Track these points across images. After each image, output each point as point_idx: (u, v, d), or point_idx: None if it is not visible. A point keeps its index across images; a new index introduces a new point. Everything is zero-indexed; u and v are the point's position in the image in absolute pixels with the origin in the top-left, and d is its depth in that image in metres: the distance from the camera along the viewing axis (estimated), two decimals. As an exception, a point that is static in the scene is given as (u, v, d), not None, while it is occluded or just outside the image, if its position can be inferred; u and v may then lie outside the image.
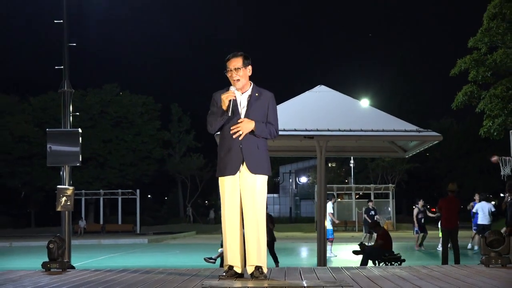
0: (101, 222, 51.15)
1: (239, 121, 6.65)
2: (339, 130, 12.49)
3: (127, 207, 52.65)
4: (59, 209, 16.47)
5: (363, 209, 30.09)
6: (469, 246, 26.49)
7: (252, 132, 6.65)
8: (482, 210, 24.46)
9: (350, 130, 12.56)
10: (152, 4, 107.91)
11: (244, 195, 6.73)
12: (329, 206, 25.86)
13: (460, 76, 25.35)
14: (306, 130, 12.32)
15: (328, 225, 25.32)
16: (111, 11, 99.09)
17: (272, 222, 16.72)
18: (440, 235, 26.75)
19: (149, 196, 67.31)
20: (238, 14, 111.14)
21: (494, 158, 19.15)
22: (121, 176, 59.64)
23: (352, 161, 53.11)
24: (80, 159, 16.93)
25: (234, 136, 6.64)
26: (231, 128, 6.65)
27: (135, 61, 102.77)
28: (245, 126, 6.60)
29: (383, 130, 12.69)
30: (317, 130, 12.41)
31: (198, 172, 67.10)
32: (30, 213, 61.10)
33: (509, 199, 15.11)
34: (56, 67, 18.28)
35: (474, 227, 25.39)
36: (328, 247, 23.34)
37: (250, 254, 6.74)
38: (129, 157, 60.74)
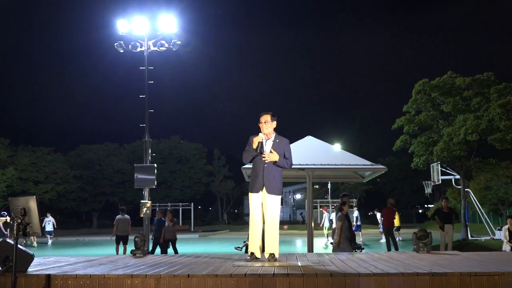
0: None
1: (269, 151, 6.74)
2: (321, 165, 12.46)
3: (185, 214, 52.49)
4: (142, 215, 16.48)
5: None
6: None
7: (275, 162, 6.68)
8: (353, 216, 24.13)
9: (328, 164, 12.54)
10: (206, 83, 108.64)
11: (264, 207, 6.76)
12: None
13: (398, 129, 25.37)
14: (300, 165, 12.29)
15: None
16: (176, 87, 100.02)
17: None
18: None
19: (199, 207, 67.05)
20: (257, 86, 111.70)
21: None
22: (182, 194, 59.56)
23: (329, 184, 52.99)
24: (155, 183, 16.95)
25: (263, 159, 6.71)
26: (263, 154, 6.71)
27: (189, 119, 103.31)
28: (272, 156, 6.68)
29: (349, 164, 12.67)
30: (307, 165, 12.38)
31: (231, 191, 67.28)
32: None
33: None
34: (141, 125, 18.35)
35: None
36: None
37: (267, 245, 6.78)
38: (186, 182, 60.74)
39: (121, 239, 16.42)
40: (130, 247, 16.29)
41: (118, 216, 16.57)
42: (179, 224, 51.08)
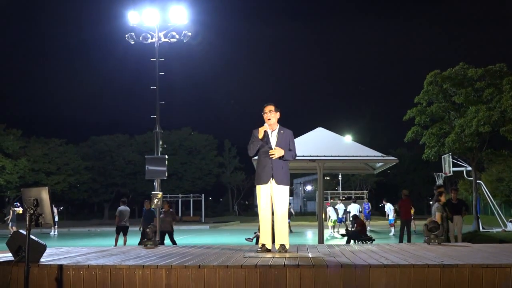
0: (179, 215, 51.18)
1: (274, 148, 6.74)
2: (332, 156, 12.46)
3: (196, 205, 52.72)
4: (153, 206, 16.54)
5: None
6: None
7: (281, 156, 6.71)
8: (353, 208, 24.54)
9: (339, 156, 12.52)
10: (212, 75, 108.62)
11: (273, 198, 6.75)
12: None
13: (409, 121, 25.21)
14: (311, 156, 12.29)
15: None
16: (186, 78, 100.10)
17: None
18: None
19: (210, 198, 67.29)
20: (266, 81, 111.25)
21: None
22: (192, 185, 59.80)
23: (340, 176, 52.88)
24: (166, 175, 16.99)
25: (270, 157, 6.71)
26: (269, 152, 6.72)
27: (200, 110, 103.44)
28: (279, 151, 6.68)
29: (360, 156, 12.65)
30: (318, 156, 12.38)
31: (241, 183, 67.53)
32: (134, 209, 61.26)
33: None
34: (151, 116, 18.38)
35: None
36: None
37: (277, 236, 6.78)
38: (197, 173, 60.92)
39: (122, 230, 16.75)
40: (131, 237, 16.82)
41: (120, 207, 16.89)
42: (190, 215, 51.44)
